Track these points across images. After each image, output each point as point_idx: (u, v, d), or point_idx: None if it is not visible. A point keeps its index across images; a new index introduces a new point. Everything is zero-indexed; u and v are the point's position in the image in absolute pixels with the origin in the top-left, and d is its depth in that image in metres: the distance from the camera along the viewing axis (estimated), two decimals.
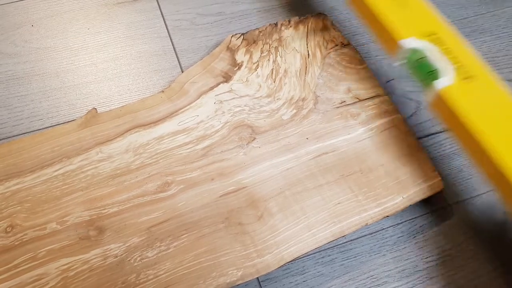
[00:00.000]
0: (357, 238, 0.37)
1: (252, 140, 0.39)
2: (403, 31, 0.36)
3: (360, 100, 0.42)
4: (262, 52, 0.45)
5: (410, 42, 0.36)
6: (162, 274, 0.33)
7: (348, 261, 0.36)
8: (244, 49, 0.45)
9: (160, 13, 0.50)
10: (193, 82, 0.43)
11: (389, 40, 0.37)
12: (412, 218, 0.38)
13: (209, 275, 0.33)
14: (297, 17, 0.47)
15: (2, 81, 0.44)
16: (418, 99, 0.45)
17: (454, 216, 0.39)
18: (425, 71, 0.34)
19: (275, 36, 0.46)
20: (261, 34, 0.46)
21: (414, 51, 0.35)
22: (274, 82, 0.43)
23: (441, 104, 0.34)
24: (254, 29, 0.47)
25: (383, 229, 0.37)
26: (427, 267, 0.36)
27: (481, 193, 0.39)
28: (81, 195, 0.36)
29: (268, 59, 0.44)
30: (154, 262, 0.33)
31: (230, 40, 0.46)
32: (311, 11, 0.50)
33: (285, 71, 0.44)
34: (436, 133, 0.43)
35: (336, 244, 0.37)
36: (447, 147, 0.43)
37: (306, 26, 0.46)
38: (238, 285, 0.33)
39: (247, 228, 0.35)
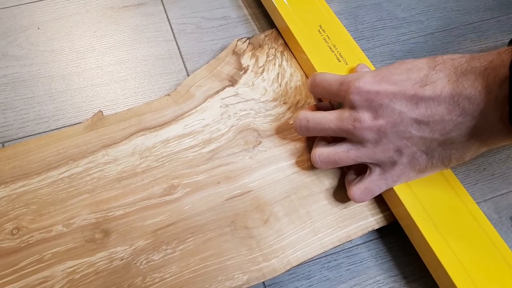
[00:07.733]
0: (364, 242, 0.37)
1: (258, 144, 0.39)
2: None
3: None
4: (267, 56, 0.45)
5: None
6: (168, 277, 0.33)
7: (354, 266, 0.36)
8: (250, 53, 0.45)
9: (166, 16, 0.50)
10: (199, 85, 0.43)
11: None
12: None
13: (215, 279, 0.33)
14: None
15: (8, 83, 0.44)
16: None
17: None
18: None
19: (281, 41, 0.46)
20: (267, 38, 0.47)
21: None
22: (280, 86, 0.43)
23: None
24: (260, 33, 0.47)
25: (390, 233, 0.37)
26: None
27: (488, 198, 0.39)
28: (87, 197, 0.36)
29: (274, 63, 0.45)
30: (160, 265, 0.33)
31: (236, 44, 0.46)
32: None
33: (291, 75, 0.44)
34: None
35: (342, 248, 0.37)
36: None
37: None
38: None
39: (253, 232, 0.35)
